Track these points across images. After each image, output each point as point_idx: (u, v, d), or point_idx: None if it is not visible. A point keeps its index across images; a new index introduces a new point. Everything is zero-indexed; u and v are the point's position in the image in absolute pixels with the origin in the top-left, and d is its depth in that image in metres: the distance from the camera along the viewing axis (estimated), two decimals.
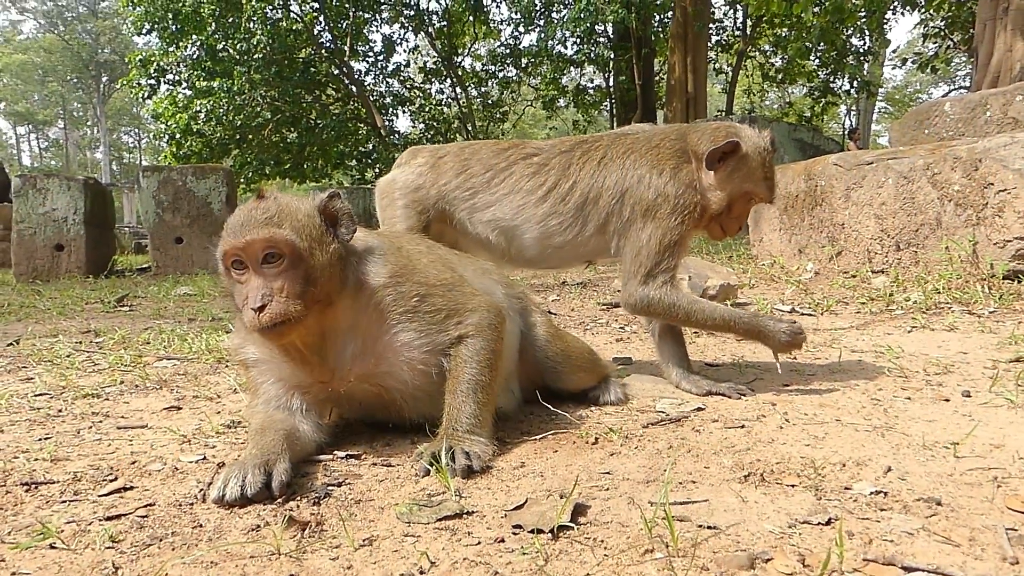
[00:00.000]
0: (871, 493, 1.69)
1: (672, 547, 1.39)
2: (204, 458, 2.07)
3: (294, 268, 1.93)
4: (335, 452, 2.09)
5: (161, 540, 1.52)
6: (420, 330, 2.11)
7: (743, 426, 2.30)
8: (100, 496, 1.77)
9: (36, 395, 2.85)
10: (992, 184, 4.65)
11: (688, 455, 2.02)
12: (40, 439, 2.27)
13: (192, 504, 1.72)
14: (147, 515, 1.65)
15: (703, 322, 2.79)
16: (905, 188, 5.26)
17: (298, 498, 1.75)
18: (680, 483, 1.79)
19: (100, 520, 1.62)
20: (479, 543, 1.47)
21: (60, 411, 2.63)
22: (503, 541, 1.48)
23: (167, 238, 9.69)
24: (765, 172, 2.82)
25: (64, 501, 1.75)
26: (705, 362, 3.38)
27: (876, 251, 5.51)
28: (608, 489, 1.76)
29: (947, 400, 2.53)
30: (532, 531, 1.51)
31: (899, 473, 1.82)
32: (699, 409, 2.53)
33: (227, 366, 3.40)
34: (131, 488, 1.83)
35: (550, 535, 1.49)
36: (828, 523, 1.52)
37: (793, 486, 1.75)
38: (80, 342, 4.16)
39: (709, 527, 1.51)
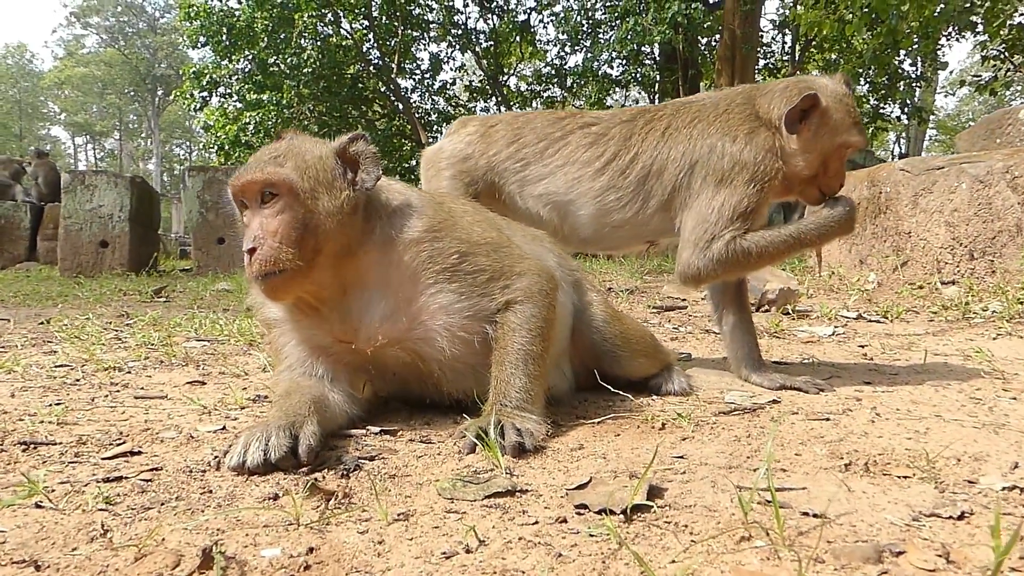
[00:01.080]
0: (1003, 488, 1.41)
1: (776, 535, 1.13)
2: (223, 428, 1.86)
3: (291, 210, 1.73)
4: (368, 427, 1.87)
5: (163, 504, 1.30)
6: (460, 292, 1.87)
7: (828, 418, 2.02)
8: (103, 459, 1.57)
9: (56, 366, 2.68)
10: None
11: (771, 443, 1.75)
12: (51, 404, 2.08)
13: (204, 472, 1.51)
14: (151, 479, 1.45)
15: (779, 250, 2.52)
16: (981, 193, 4.91)
17: (324, 469, 1.52)
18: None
19: (97, 482, 1.41)
20: (536, 523, 1.23)
21: (77, 380, 2.45)
22: (565, 521, 1.24)
23: (209, 238, 9.64)
24: (853, 118, 2.50)
25: (63, 463, 1.55)
26: (773, 360, 3.09)
27: (946, 261, 5.15)
28: (684, 472, 1.51)
29: None
30: (600, 511, 1.26)
31: None
32: (774, 401, 2.26)
33: (258, 348, 3.21)
34: (139, 453, 1.63)
35: (622, 517, 1.24)
36: (961, 517, 1.25)
37: (906, 477, 1.48)
38: (111, 323, 4.02)
39: (815, 515, 1.25)
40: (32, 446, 1.63)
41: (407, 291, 1.85)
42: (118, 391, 2.30)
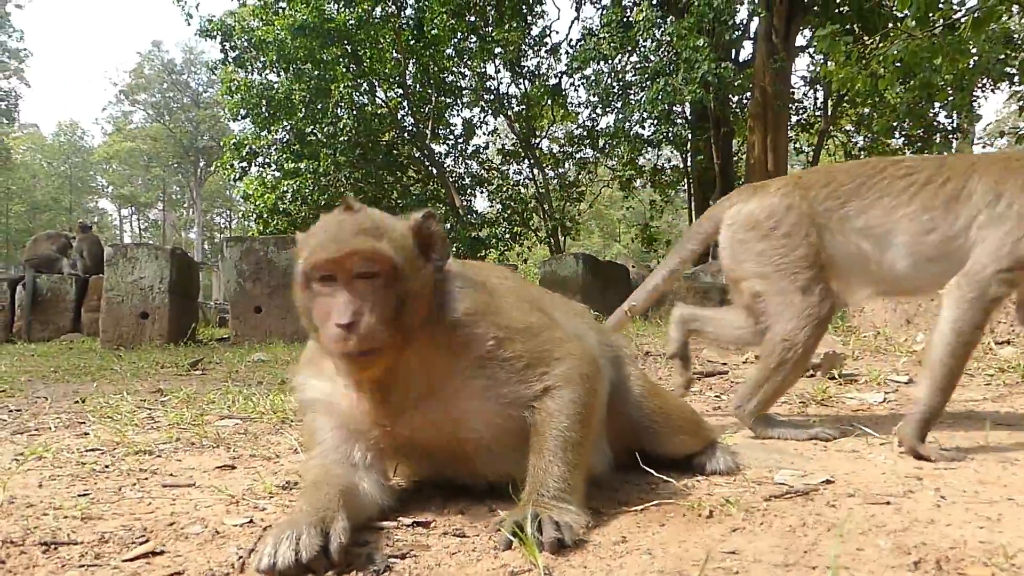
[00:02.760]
0: None
1: None
2: (251, 521, 1.79)
3: (388, 288, 1.67)
4: (400, 519, 1.78)
5: None
6: (496, 378, 1.79)
7: (888, 503, 1.89)
8: (123, 561, 1.50)
9: (87, 450, 2.65)
10: None
11: (829, 534, 1.63)
12: (78, 495, 2.03)
13: (228, 574, 1.43)
14: None
15: None
16: None
17: (353, 571, 1.44)
18: (828, 568, 1.41)
19: None
20: None
21: (107, 467, 2.40)
22: None
23: (247, 307, 9.75)
24: None
25: (83, 565, 1.48)
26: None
27: (1000, 319, 4.96)
28: (738, 573, 1.40)
29: None
30: None
31: None
32: (828, 481, 2.13)
33: (290, 425, 3.16)
34: (161, 552, 1.56)
35: None
36: None
37: None
38: (144, 400, 4.01)
39: None
40: (53, 547, 1.57)
41: (444, 373, 1.79)
42: (146, 478, 2.25)
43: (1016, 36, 19.41)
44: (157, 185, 58.55)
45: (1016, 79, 19.68)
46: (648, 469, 2.10)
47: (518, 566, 1.46)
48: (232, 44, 22.02)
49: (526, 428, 1.81)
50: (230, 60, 22.29)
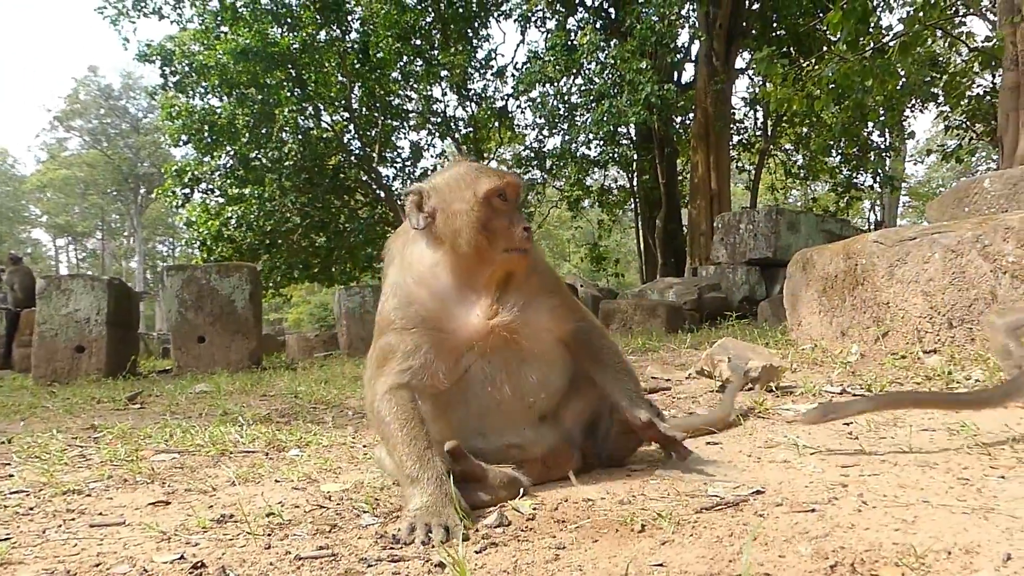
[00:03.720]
0: None
1: None
2: (182, 557, 1.76)
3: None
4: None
5: None
6: (554, 307, 2.40)
7: (813, 510, 1.95)
8: None
9: (11, 492, 2.57)
10: None
11: (754, 543, 1.68)
12: None
13: None
14: None
15: None
16: (954, 262, 4.96)
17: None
18: None
19: None
20: None
21: (31, 508, 2.33)
22: None
23: (190, 337, 9.54)
24: None
25: None
26: (758, 445, 3.02)
27: (926, 330, 5.15)
28: None
29: None
30: None
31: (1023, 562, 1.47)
32: (758, 492, 2.19)
33: (230, 457, 3.11)
34: None
35: None
36: None
37: None
38: (76, 437, 3.89)
39: None
40: None
41: (534, 290, 2.34)
42: (74, 519, 2.19)
43: (941, 59, 20.25)
44: (95, 213, 56.91)
45: (941, 99, 20.58)
46: (576, 484, 2.13)
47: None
48: (172, 69, 21.68)
49: (564, 358, 2.44)
50: (170, 85, 21.94)
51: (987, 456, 2.50)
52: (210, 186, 23.30)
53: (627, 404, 2.38)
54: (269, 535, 1.93)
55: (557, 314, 2.37)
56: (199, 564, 1.69)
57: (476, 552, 1.73)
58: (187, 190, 22.79)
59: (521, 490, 2.20)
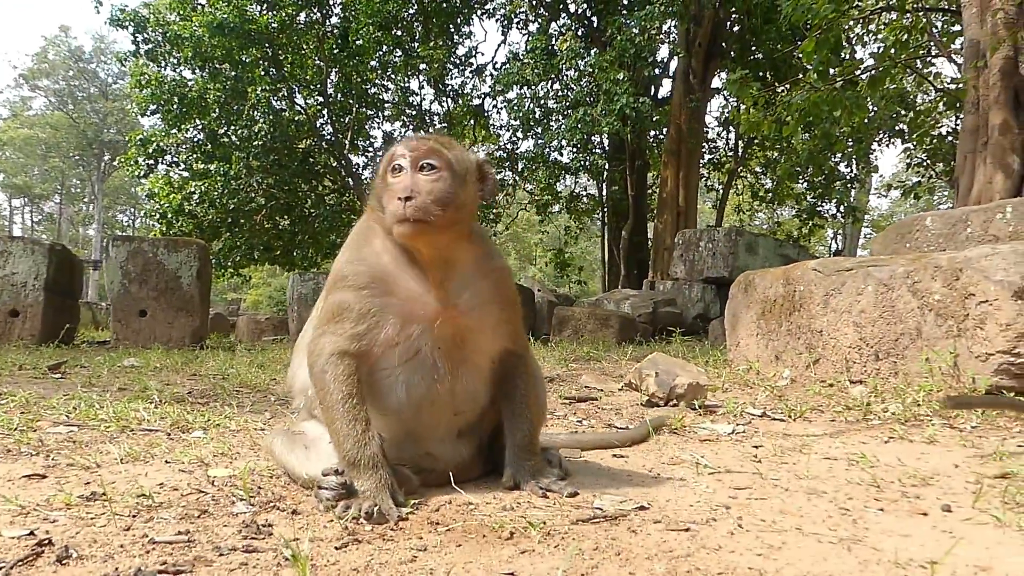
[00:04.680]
0: None
1: None
2: (31, 533, 1.71)
3: (446, 182, 2.17)
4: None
5: None
6: (504, 321, 2.39)
7: (688, 529, 1.96)
8: None
9: None
10: (973, 295, 4.44)
11: (616, 558, 1.68)
12: None
13: None
14: None
15: None
16: (885, 296, 5.05)
17: None
18: None
19: None
20: None
21: None
22: None
23: (131, 310, 9.34)
24: None
25: None
26: (663, 461, 3.04)
27: (854, 360, 5.24)
28: None
29: (925, 514, 2.20)
30: None
31: None
32: (642, 508, 2.19)
33: (129, 435, 3.04)
34: None
35: None
36: None
37: None
38: None
39: None
40: None
41: (485, 295, 2.31)
42: None
43: (909, 96, 20.67)
44: (55, 177, 55.52)
45: (907, 135, 21.01)
46: (459, 489, 2.12)
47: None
48: (145, 37, 21.27)
49: (490, 377, 2.42)
50: (141, 52, 21.51)
51: (875, 488, 2.54)
52: (175, 159, 22.93)
53: (508, 456, 2.40)
54: (133, 517, 1.88)
55: (499, 331, 2.37)
56: (46, 541, 1.64)
57: (336, 548, 1.71)
58: (151, 161, 22.38)
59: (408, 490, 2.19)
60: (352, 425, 2.11)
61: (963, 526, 2.04)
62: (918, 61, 16.11)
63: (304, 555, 1.49)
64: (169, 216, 21.36)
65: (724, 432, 3.81)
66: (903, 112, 19.38)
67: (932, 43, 16.43)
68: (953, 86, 16.43)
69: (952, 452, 3.26)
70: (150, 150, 22.00)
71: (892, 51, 13.79)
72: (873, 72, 13.81)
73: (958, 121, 18.04)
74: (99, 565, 1.53)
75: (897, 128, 20.17)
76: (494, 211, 28.17)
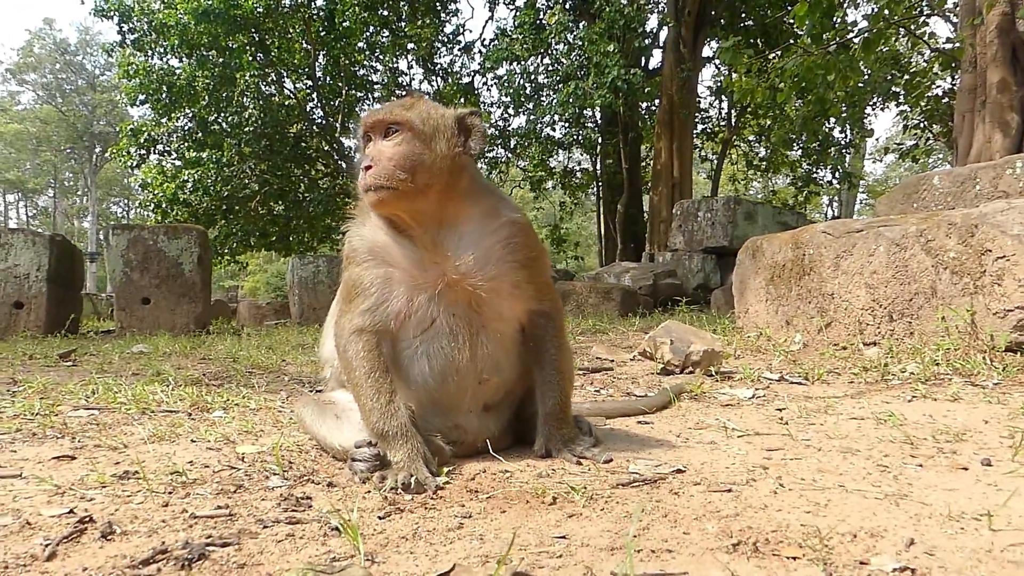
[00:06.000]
0: (895, 570, 1.33)
1: None
2: (71, 511, 1.68)
3: (408, 144, 2.11)
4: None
5: None
6: (528, 280, 2.29)
7: (730, 490, 1.94)
8: None
9: None
10: (990, 251, 4.41)
11: (663, 520, 1.66)
12: None
13: (25, 566, 1.34)
14: None
15: None
16: (897, 256, 5.02)
17: (163, 561, 1.37)
18: (653, 551, 1.43)
19: None
20: None
21: None
22: None
23: (134, 298, 9.30)
24: None
25: None
26: (689, 427, 3.02)
27: (868, 322, 5.22)
28: (561, 556, 1.40)
29: (965, 468, 2.18)
30: None
31: (925, 547, 1.46)
32: (679, 471, 2.17)
33: (150, 416, 3.01)
34: None
35: None
36: None
37: (795, 558, 1.39)
38: None
39: None
40: None
41: (495, 254, 2.21)
42: None
43: (903, 59, 20.53)
44: (47, 171, 55.15)
45: (902, 98, 20.90)
46: (498, 457, 2.10)
47: (344, 552, 1.42)
48: (131, 26, 21.00)
49: (516, 339, 2.36)
50: (128, 42, 21.25)
51: (909, 445, 2.52)
52: (167, 148, 22.74)
53: (539, 425, 2.36)
54: (170, 493, 1.85)
55: (520, 291, 2.27)
56: (87, 519, 1.61)
57: (379, 518, 1.68)
58: (143, 151, 22.22)
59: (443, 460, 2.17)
60: (376, 398, 2.10)
61: (1007, 479, 2.02)
62: (912, 22, 15.95)
63: (353, 523, 1.46)
64: (164, 205, 21.23)
65: (745, 397, 3.79)
66: (897, 74, 19.25)
67: (925, 2, 16.29)
68: (949, 45, 16.32)
69: (978, 408, 3.24)
70: (141, 140, 21.84)
71: (885, 12, 13.65)
72: (867, 34, 13.69)
73: (954, 81, 17.96)
74: (144, 540, 1.50)
75: (892, 91, 20.02)
76: None
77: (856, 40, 14.42)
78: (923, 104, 19.83)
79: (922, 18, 16.74)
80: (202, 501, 1.79)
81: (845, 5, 18.72)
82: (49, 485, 1.89)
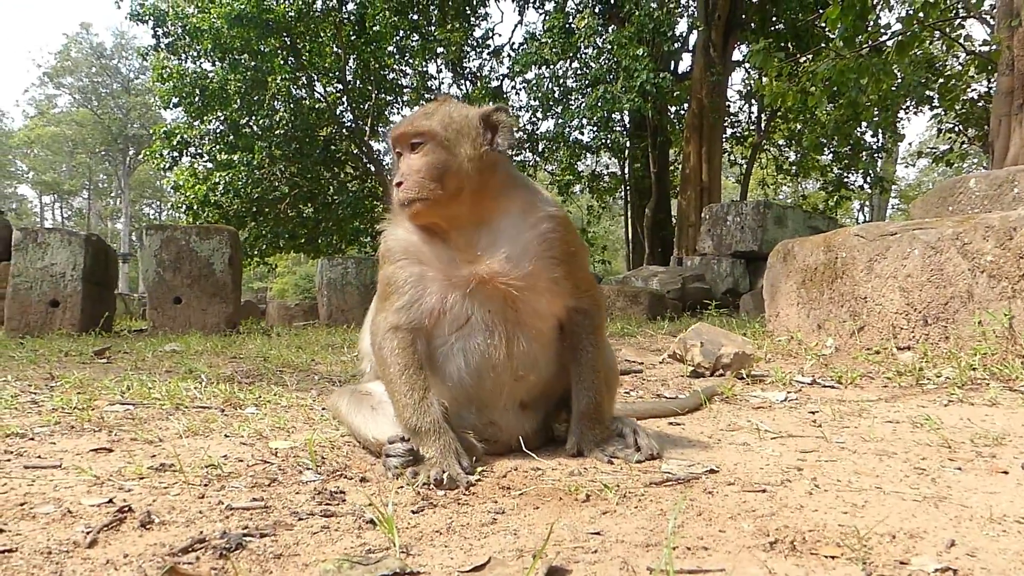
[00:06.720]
0: (936, 570, 1.31)
1: None
2: (110, 501, 1.71)
3: (434, 154, 2.13)
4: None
5: None
6: (565, 277, 2.27)
7: (765, 490, 1.92)
8: None
9: None
10: None
11: (698, 518, 1.64)
12: None
13: (68, 552, 1.36)
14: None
15: None
16: (933, 259, 4.94)
17: (201, 550, 1.38)
18: (688, 548, 1.42)
19: None
20: None
21: None
22: None
23: (166, 297, 9.43)
24: None
25: None
26: (721, 429, 2.99)
27: (902, 326, 5.14)
28: (596, 552, 1.39)
29: (1005, 472, 2.13)
30: None
31: (966, 549, 1.44)
32: (712, 471, 2.15)
33: (184, 412, 3.05)
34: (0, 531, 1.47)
35: None
36: None
37: (833, 557, 1.37)
38: (32, 385, 3.82)
39: None
40: None
41: (532, 250, 2.20)
42: (9, 460, 2.13)
43: (938, 62, 20.22)
44: (82, 172, 56.21)
45: (936, 102, 20.57)
46: (531, 454, 2.09)
47: (378, 544, 1.43)
48: (165, 30, 21.36)
49: (554, 336, 2.36)
50: (162, 46, 21.61)
51: (947, 448, 2.48)
52: (199, 150, 23.05)
53: (572, 424, 2.36)
54: (205, 486, 1.88)
55: (557, 288, 2.25)
56: (126, 508, 1.64)
57: (412, 512, 1.69)
58: (175, 153, 22.52)
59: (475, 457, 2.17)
60: (410, 395, 2.11)
61: None
62: (947, 24, 15.69)
63: (389, 516, 1.46)
64: (195, 207, 21.53)
65: (777, 400, 3.75)
66: (932, 77, 18.95)
67: (961, 4, 16.03)
68: (985, 48, 16.04)
69: (1016, 413, 3.18)
70: (174, 143, 22.15)
71: (920, 14, 13.44)
72: (900, 37, 13.49)
73: (991, 84, 17.64)
74: (182, 529, 1.52)
75: (926, 95, 19.71)
76: None
77: (889, 43, 14.23)
78: (958, 108, 19.50)
79: (958, 20, 16.45)
80: (237, 494, 1.81)
81: (878, 7, 18.49)
82: (88, 476, 1.92)
